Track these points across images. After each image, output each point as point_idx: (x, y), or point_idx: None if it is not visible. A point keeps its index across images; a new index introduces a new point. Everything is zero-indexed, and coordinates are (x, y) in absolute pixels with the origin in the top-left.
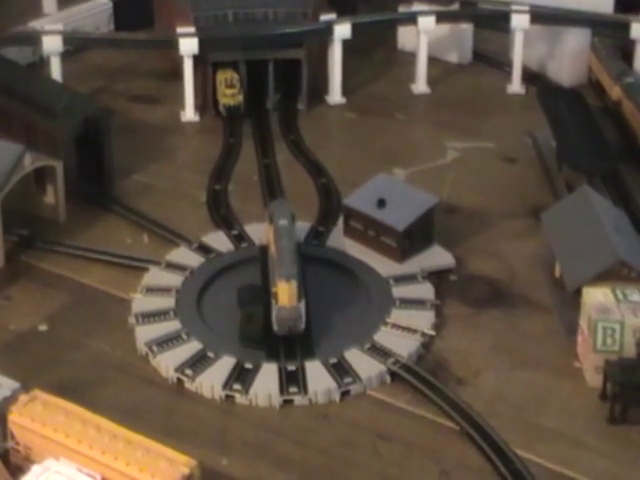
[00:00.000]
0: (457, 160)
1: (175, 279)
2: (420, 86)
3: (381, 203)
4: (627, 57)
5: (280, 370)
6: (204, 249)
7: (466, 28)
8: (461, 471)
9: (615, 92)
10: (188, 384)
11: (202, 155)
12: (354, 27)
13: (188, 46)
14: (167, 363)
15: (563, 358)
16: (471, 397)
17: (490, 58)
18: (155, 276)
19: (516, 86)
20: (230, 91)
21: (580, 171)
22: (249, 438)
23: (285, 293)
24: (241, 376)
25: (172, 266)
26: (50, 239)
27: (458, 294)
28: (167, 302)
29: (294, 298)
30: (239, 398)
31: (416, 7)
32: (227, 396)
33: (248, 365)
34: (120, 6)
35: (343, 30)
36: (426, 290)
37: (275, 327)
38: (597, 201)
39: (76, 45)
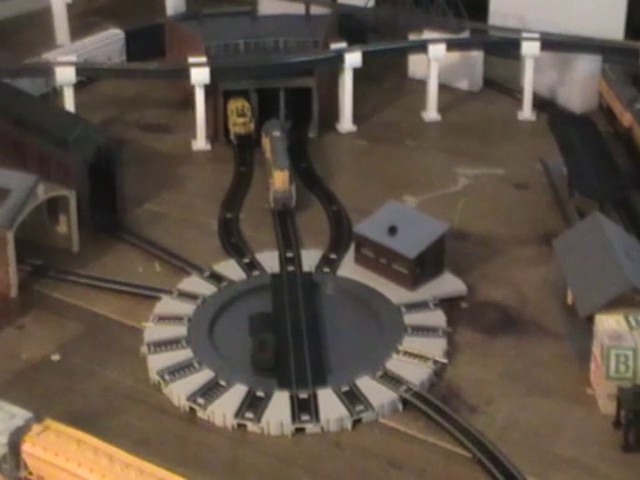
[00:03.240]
0: (468, 187)
1: (187, 308)
2: (431, 113)
3: (392, 230)
4: (638, 83)
5: (292, 398)
6: (216, 277)
7: (476, 55)
8: None
9: (626, 118)
10: (200, 413)
11: (213, 184)
12: (364, 55)
13: (199, 76)
14: (179, 392)
15: (576, 385)
16: (483, 425)
17: (501, 85)
18: (167, 305)
19: (527, 113)
20: (241, 120)
21: (591, 197)
22: (261, 466)
23: (280, 179)
24: (253, 404)
25: (184, 295)
26: (63, 269)
27: (469, 321)
28: (179, 331)
29: (287, 183)
30: (251, 426)
31: (426, 35)
32: (239, 424)
33: (260, 393)
34: (132, 37)
35: (354, 58)
36: (438, 317)
37: (272, 205)
38: (609, 227)
39: (89, 76)
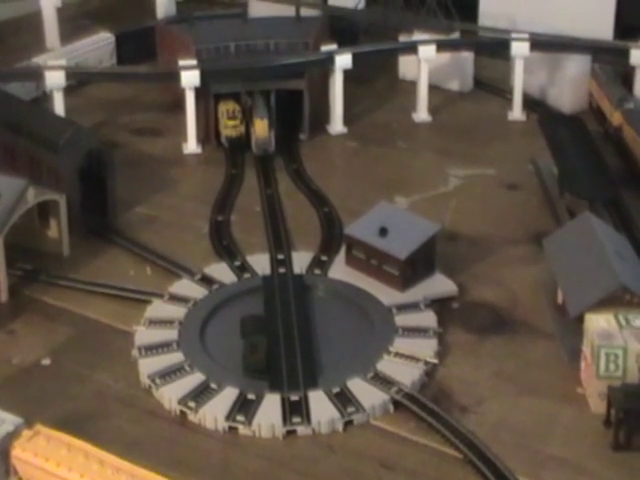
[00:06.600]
0: (459, 187)
1: (178, 311)
2: (421, 114)
3: (383, 232)
4: (627, 83)
5: (283, 400)
6: (207, 280)
7: (467, 56)
8: None
9: (616, 118)
10: (191, 416)
11: (205, 186)
12: (355, 57)
13: (190, 78)
14: (170, 395)
15: (566, 384)
16: (475, 425)
17: (491, 86)
18: (158, 308)
19: (517, 113)
20: (232, 122)
21: (581, 197)
22: (253, 469)
23: (260, 127)
24: (244, 407)
25: (175, 298)
26: (54, 273)
27: (460, 321)
28: (170, 334)
29: (266, 130)
30: (242, 429)
31: (417, 36)
32: (230, 427)
33: (251, 396)
34: (123, 40)
35: (344, 60)
36: (429, 318)
37: (254, 150)
38: (599, 227)
39: (79, 79)
